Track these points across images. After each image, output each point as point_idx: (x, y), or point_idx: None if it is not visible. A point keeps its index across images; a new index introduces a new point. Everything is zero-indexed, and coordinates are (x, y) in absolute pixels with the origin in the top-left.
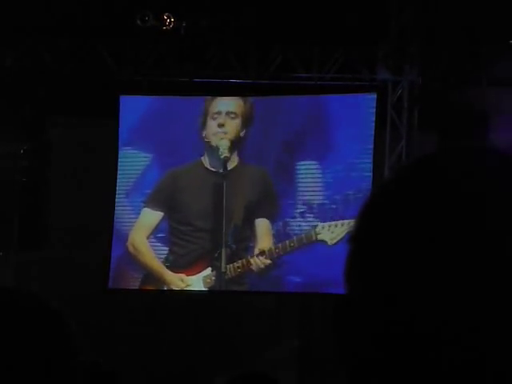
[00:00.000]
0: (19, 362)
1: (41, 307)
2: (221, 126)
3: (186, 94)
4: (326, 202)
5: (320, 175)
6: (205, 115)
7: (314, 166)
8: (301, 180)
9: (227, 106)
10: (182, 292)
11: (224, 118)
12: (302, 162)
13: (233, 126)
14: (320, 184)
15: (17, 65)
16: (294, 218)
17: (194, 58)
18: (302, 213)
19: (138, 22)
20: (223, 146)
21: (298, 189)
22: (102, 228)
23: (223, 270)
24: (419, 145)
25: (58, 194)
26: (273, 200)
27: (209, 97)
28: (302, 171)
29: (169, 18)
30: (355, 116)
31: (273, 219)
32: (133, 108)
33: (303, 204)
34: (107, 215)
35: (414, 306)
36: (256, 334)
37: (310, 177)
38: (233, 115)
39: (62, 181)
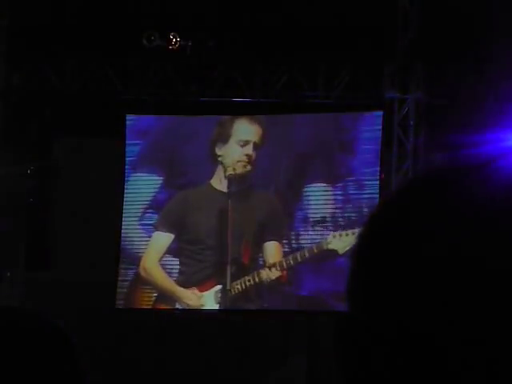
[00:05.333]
0: (24, 382)
1: (48, 328)
2: (249, 156)
3: (193, 114)
4: (335, 216)
5: (329, 194)
6: (223, 135)
7: (323, 187)
8: (310, 200)
9: (252, 134)
10: (190, 311)
11: (252, 149)
12: (312, 184)
13: (254, 156)
14: (329, 203)
15: (23, 85)
16: (306, 231)
17: (200, 78)
18: (312, 225)
19: (144, 41)
20: (243, 159)
21: (307, 208)
22: (109, 248)
23: (228, 287)
24: (426, 163)
25: (64, 214)
26: (281, 222)
27: (226, 117)
28: (310, 192)
29: (175, 37)
30: (362, 134)
31: (282, 239)
32: (141, 128)
33: (313, 219)
34: (115, 235)
35: (418, 324)
36: (263, 352)
37: (319, 197)
38: (256, 145)
39: (69, 201)
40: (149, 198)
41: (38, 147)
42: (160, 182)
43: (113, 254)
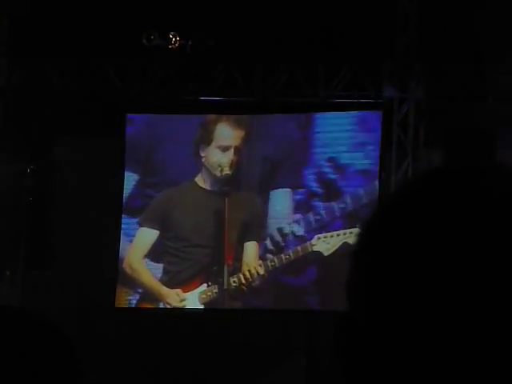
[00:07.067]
0: (22, 383)
1: (46, 328)
2: (230, 161)
3: (193, 113)
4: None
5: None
6: (206, 137)
7: (288, 190)
8: (276, 204)
9: (232, 139)
10: (187, 310)
11: (233, 154)
12: (279, 188)
13: (236, 160)
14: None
15: (23, 84)
16: (289, 229)
17: (199, 77)
18: (296, 222)
19: (144, 40)
20: (224, 164)
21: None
22: (107, 247)
23: (225, 287)
24: (425, 162)
25: (64, 213)
26: (262, 222)
27: (209, 118)
28: (276, 195)
29: (174, 36)
30: (361, 133)
31: (261, 239)
32: (130, 127)
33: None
34: (113, 233)
35: (417, 324)
36: (262, 351)
37: (284, 201)
38: (237, 149)
39: (68, 200)
40: (125, 196)
41: (38, 147)
42: (135, 180)
43: (112, 253)
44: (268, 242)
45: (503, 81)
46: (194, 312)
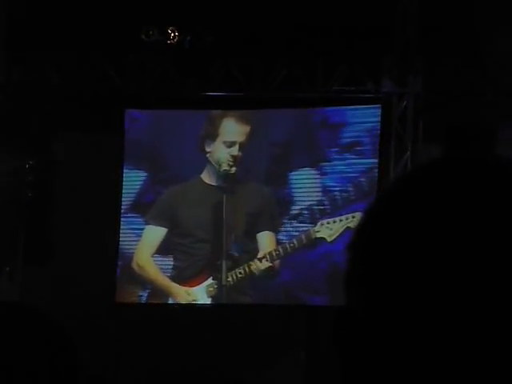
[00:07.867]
0: (22, 377)
1: (45, 323)
2: (234, 157)
3: (192, 108)
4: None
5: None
6: (212, 133)
7: (313, 175)
8: (297, 187)
9: (238, 134)
10: (188, 305)
11: (237, 150)
12: (300, 171)
13: (240, 156)
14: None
15: (22, 81)
16: (294, 220)
17: (198, 72)
18: (297, 215)
19: (143, 36)
20: (224, 161)
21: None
22: (107, 243)
23: (224, 282)
24: (424, 157)
25: (63, 209)
26: (273, 212)
27: (215, 113)
28: (297, 179)
29: (173, 32)
30: (360, 128)
31: (275, 228)
32: (131, 123)
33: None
34: (113, 230)
35: (415, 317)
36: (261, 346)
37: (307, 184)
38: (242, 145)
39: (68, 196)
40: (133, 194)
41: (37, 142)
42: (144, 177)
43: (112, 248)
44: (282, 230)
45: (503, 76)
46: (194, 308)
